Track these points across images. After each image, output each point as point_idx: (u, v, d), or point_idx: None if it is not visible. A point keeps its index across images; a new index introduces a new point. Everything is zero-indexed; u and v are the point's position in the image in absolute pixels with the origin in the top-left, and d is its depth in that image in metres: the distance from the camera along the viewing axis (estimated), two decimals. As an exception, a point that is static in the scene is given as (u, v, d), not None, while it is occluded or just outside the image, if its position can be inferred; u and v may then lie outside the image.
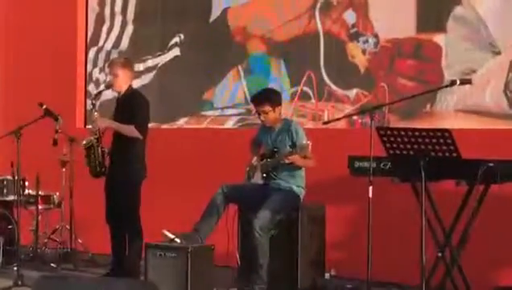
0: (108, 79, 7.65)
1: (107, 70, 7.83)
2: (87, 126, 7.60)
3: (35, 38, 10.34)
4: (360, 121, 8.22)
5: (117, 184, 7.47)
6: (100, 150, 7.44)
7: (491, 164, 5.89)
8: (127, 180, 7.43)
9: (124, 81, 7.57)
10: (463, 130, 7.05)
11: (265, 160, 7.21)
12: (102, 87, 7.80)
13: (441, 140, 5.97)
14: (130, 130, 7.37)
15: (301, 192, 7.21)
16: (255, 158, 7.32)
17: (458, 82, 6.67)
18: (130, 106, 7.48)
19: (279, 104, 7.30)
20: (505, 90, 7.49)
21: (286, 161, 6.98)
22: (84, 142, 7.51)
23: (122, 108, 7.53)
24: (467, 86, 6.88)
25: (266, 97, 7.28)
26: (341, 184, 7.10)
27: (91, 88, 10.07)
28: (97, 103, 7.81)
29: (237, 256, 7.26)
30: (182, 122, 9.59)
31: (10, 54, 10.75)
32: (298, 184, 7.20)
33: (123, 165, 7.44)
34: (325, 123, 7.57)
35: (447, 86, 7.13)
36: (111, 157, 7.51)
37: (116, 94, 7.72)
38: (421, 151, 6.01)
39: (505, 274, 7.01)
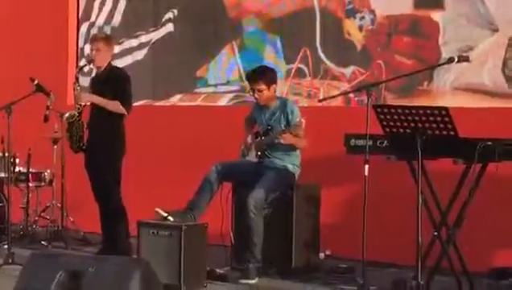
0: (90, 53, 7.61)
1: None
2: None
3: (26, 13, 10.33)
4: (356, 99, 8.23)
5: (97, 160, 7.50)
6: (81, 125, 7.46)
7: (489, 143, 5.89)
8: (108, 156, 7.48)
9: (105, 57, 7.59)
10: (460, 109, 7.07)
11: (259, 138, 7.22)
12: (84, 62, 7.77)
13: (438, 118, 5.97)
14: (116, 106, 7.38)
15: (296, 171, 7.23)
16: (250, 136, 7.33)
17: (456, 60, 6.67)
18: (113, 82, 7.49)
19: (274, 82, 7.30)
20: (503, 68, 7.50)
21: (281, 140, 7.00)
22: (67, 115, 7.53)
23: (103, 84, 7.51)
24: (464, 64, 6.86)
25: (260, 75, 7.27)
26: (337, 162, 7.10)
27: (83, 64, 10.04)
28: (79, 78, 7.78)
29: (231, 235, 7.30)
30: (176, 99, 9.58)
31: (1, 29, 10.72)
32: (293, 162, 7.21)
33: (103, 141, 7.47)
34: (321, 101, 7.57)
35: (444, 64, 7.14)
36: (89, 133, 7.50)
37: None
38: (418, 129, 6.01)
39: (502, 254, 7.04)
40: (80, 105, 7.46)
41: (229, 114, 8.63)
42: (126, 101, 7.46)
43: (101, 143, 7.47)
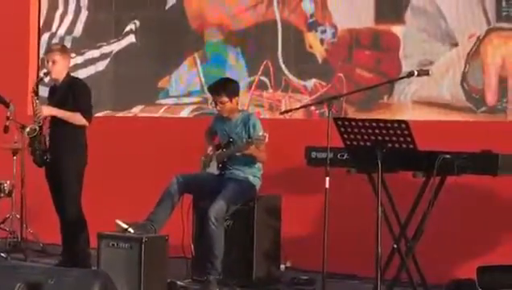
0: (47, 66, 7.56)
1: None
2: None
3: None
4: (317, 111, 8.27)
5: (59, 172, 7.44)
6: (43, 138, 7.40)
7: (447, 156, 5.95)
8: (69, 168, 7.41)
9: (62, 68, 7.52)
10: (420, 122, 7.14)
11: (220, 150, 7.25)
12: (41, 74, 7.72)
13: (398, 131, 6.01)
14: (78, 118, 7.34)
15: (257, 183, 7.27)
16: (210, 147, 7.35)
17: (416, 73, 6.74)
18: (73, 94, 7.42)
19: (237, 94, 7.34)
20: (462, 82, 7.59)
21: (242, 152, 7.05)
22: (28, 129, 7.43)
23: (63, 96, 7.45)
24: (424, 77, 6.94)
25: (222, 87, 7.30)
26: (298, 174, 7.14)
27: (41, 75, 9.97)
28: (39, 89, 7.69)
29: (192, 247, 7.30)
30: (137, 110, 9.57)
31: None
32: (254, 174, 7.26)
33: (65, 153, 7.40)
34: (282, 113, 7.62)
35: (404, 77, 7.22)
36: (51, 144, 7.44)
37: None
38: (378, 142, 6.04)
39: (460, 266, 7.10)
40: (40, 118, 7.40)
41: (191, 126, 8.62)
42: (87, 113, 7.42)
43: (62, 155, 7.41)
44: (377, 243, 5.97)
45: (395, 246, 6.19)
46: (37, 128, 7.38)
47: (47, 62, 7.56)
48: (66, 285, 5.08)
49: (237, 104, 7.40)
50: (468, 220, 7.09)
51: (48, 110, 7.41)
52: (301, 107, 8.10)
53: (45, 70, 7.62)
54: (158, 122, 9.23)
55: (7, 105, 7.90)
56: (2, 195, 8.83)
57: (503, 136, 6.89)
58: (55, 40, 10.05)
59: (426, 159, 5.99)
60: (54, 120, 7.41)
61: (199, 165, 7.39)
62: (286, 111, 7.79)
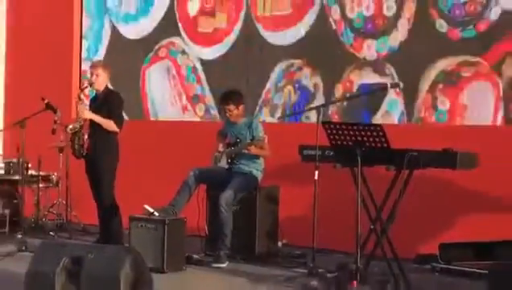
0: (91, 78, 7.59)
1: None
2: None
3: (38, 42, 10.27)
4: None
5: (97, 169, 7.47)
6: (82, 135, 7.42)
7: (415, 153, 5.97)
8: (104, 164, 7.44)
9: (103, 81, 7.54)
10: (391, 125, 7.15)
11: (229, 148, 7.28)
12: (86, 84, 7.74)
13: (374, 133, 6.04)
14: (110, 125, 7.38)
15: (259, 175, 7.30)
16: (221, 145, 7.38)
17: (389, 86, 6.78)
18: (109, 104, 7.45)
19: (241, 103, 7.37)
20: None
21: (246, 151, 7.09)
22: (71, 126, 7.46)
23: (101, 104, 7.48)
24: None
25: (230, 98, 7.36)
26: (293, 168, 7.12)
27: (85, 85, 9.93)
28: (82, 97, 7.69)
29: (206, 227, 7.33)
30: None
31: (17, 55, 10.70)
32: (257, 168, 7.29)
33: (101, 153, 7.42)
34: (279, 118, 7.65)
35: (379, 90, 7.26)
36: (90, 143, 7.44)
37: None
38: (358, 142, 6.07)
39: (425, 243, 7.09)
40: (81, 119, 7.44)
41: (203, 129, 8.62)
42: (119, 121, 7.46)
43: (98, 154, 7.44)
44: (357, 224, 6.00)
45: (372, 226, 6.19)
46: (78, 126, 7.42)
47: (92, 75, 7.57)
48: (103, 259, 5.10)
49: (243, 110, 7.42)
50: (432, 205, 7.09)
51: (88, 114, 7.44)
52: (295, 113, 8.13)
53: (89, 81, 7.62)
54: (177, 125, 9.19)
55: (55, 111, 7.92)
56: (51, 185, 8.92)
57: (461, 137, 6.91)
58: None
59: (397, 156, 6.00)
60: (92, 123, 7.44)
61: (210, 161, 7.40)
62: (283, 116, 7.85)
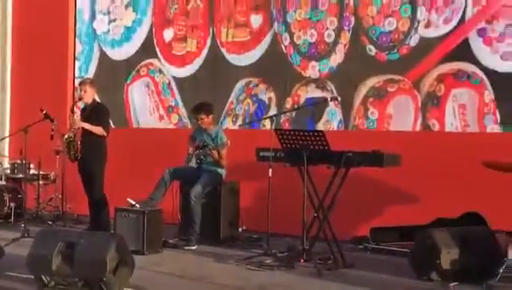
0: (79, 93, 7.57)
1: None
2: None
3: (38, 62, 10.12)
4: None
5: (88, 168, 7.39)
6: (76, 143, 7.33)
7: (350, 154, 6.03)
8: (94, 165, 7.37)
9: (90, 95, 7.49)
10: (331, 131, 7.20)
11: (198, 151, 7.26)
12: (76, 98, 7.70)
13: (317, 138, 6.10)
14: (100, 130, 7.32)
15: (223, 173, 7.29)
16: (191, 149, 7.36)
17: (329, 99, 6.83)
18: (97, 113, 7.40)
19: (211, 113, 7.38)
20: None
21: (211, 153, 7.10)
22: (66, 136, 7.38)
23: (90, 114, 7.40)
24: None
25: (202, 108, 7.35)
26: (251, 167, 7.09)
27: (76, 99, 9.80)
28: (75, 109, 7.67)
29: (179, 216, 7.28)
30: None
31: (20, 73, 10.57)
32: (221, 167, 7.27)
33: (92, 155, 7.34)
34: (240, 126, 7.65)
35: (320, 102, 7.30)
36: (82, 148, 7.34)
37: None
38: (304, 145, 6.13)
39: (359, 228, 7.15)
40: (75, 128, 7.37)
41: (176, 134, 8.59)
42: (106, 127, 7.41)
43: (90, 156, 7.35)
44: (303, 213, 6.06)
45: (315, 214, 6.24)
46: (72, 135, 7.34)
47: (80, 90, 7.53)
48: (92, 243, 5.07)
49: (213, 119, 7.43)
50: (364, 196, 7.13)
51: (80, 123, 7.37)
52: (253, 122, 8.13)
53: (79, 96, 7.60)
54: (155, 132, 9.12)
55: (52, 120, 7.82)
56: (49, 182, 8.82)
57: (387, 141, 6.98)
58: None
59: (336, 157, 6.07)
60: (84, 131, 7.37)
61: (183, 161, 7.39)
62: (243, 124, 7.86)
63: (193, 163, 7.28)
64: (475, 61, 6.97)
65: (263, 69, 8.34)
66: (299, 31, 8.05)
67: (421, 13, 7.28)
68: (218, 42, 8.70)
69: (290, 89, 8.10)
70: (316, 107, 7.76)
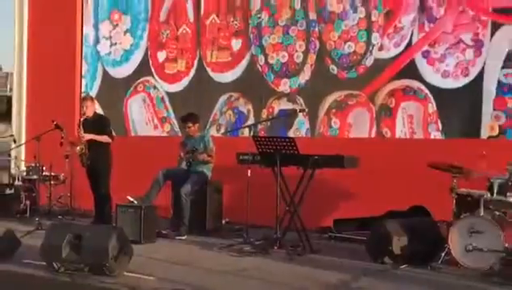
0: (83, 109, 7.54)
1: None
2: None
3: (50, 79, 10.03)
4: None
5: (96, 171, 7.36)
6: (87, 152, 7.28)
7: (316, 157, 6.07)
8: (101, 169, 7.34)
9: (92, 110, 7.46)
10: (300, 138, 7.22)
11: (188, 154, 7.25)
12: (82, 114, 7.62)
13: (288, 143, 6.13)
14: (106, 139, 7.29)
15: (209, 174, 7.28)
16: (182, 153, 7.35)
17: (298, 110, 6.86)
18: (100, 124, 7.37)
19: (198, 122, 7.37)
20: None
21: (200, 156, 7.09)
22: (78, 148, 7.34)
23: (92, 125, 7.34)
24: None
25: (189, 118, 7.33)
26: (232, 168, 7.08)
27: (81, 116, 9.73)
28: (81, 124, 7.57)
29: (171, 211, 7.25)
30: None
31: (34, 89, 10.47)
32: (208, 169, 7.26)
33: (99, 160, 7.30)
34: (223, 134, 7.66)
35: (290, 114, 7.32)
36: (90, 154, 7.30)
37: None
38: (277, 150, 6.16)
39: (324, 219, 7.16)
40: (83, 140, 7.31)
41: (169, 141, 8.56)
42: (110, 135, 7.38)
43: (97, 160, 7.31)
44: (277, 207, 6.08)
45: (287, 208, 6.24)
46: (83, 147, 7.30)
47: (82, 107, 7.52)
48: (97, 234, 5.07)
49: (199, 127, 7.40)
50: (328, 193, 7.13)
51: (88, 136, 7.32)
52: (235, 129, 8.13)
53: (82, 112, 7.56)
54: (150, 139, 9.07)
55: (62, 130, 7.80)
56: (59, 182, 8.73)
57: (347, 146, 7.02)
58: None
59: (304, 159, 6.11)
60: (91, 141, 7.32)
61: (175, 163, 7.37)
62: (226, 132, 7.87)
63: (183, 166, 7.25)
64: (420, 79, 7.06)
65: (242, 85, 8.35)
66: (273, 53, 8.09)
67: (375, 38, 7.36)
68: (204, 62, 8.71)
69: (265, 102, 8.12)
70: (288, 117, 7.79)
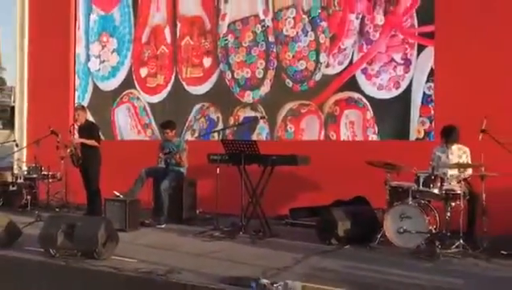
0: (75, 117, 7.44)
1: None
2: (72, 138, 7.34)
3: (48, 91, 9.80)
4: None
5: (87, 170, 7.23)
6: (77, 154, 7.17)
7: (274, 157, 6.09)
8: (92, 168, 7.21)
9: (83, 117, 7.36)
10: (261, 141, 7.22)
11: (166, 155, 7.18)
12: (72, 122, 7.54)
13: (251, 146, 6.13)
14: (93, 142, 7.17)
15: (184, 172, 7.20)
16: (161, 154, 7.27)
17: (259, 117, 6.85)
18: (90, 130, 7.26)
19: (174, 128, 7.31)
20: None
21: (176, 157, 7.03)
22: (69, 150, 7.23)
23: (84, 131, 7.26)
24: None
25: (168, 125, 7.27)
26: (204, 167, 7.03)
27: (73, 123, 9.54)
28: (74, 128, 7.50)
29: (152, 204, 7.15)
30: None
31: (34, 99, 10.22)
32: (183, 167, 7.19)
33: (90, 161, 7.18)
34: (197, 137, 7.60)
35: (252, 122, 7.31)
36: (82, 156, 7.20)
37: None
38: (242, 151, 6.15)
39: (281, 208, 7.16)
40: (74, 144, 7.20)
41: (151, 145, 8.44)
42: (98, 140, 7.26)
43: (88, 160, 7.19)
44: (241, 198, 6.07)
45: (250, 200, 6.24)
46: (73, 149, 7.18)
47: (74, 114, 7.42)
48: (87, 224, 4.99)
49: (175, 133, 7.34)
50: (285, 186, 7.07)
51: (79, 140, 7.22)
52: (207, 134, 8.08)
53: (74, 119, 7.46)
54: (134, 143, 8.94)
55: (57, 135, 7.64)
56: (56, 180, 8.52)
57: (300, 147, 7.05)
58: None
59: (264, 159, 6.12)
60: (83, 144, 7.21)
61: (155, 163, 7.28)
62: (200, 135, 7.81)
63: (162, 165, 7.19)
64: (360, 91, 7.14)
65: (213, 96, 8.30)
66: (238, 69, 8.08)
67: (323, 57, 7.42)
68: (180, 77, 8.64)
69: (232, 111, 8.09)
70: (251, 124, 7.77)
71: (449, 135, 5.71)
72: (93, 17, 9.59)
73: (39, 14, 10.15)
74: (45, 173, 8.44)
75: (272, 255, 5.18)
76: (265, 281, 4.02)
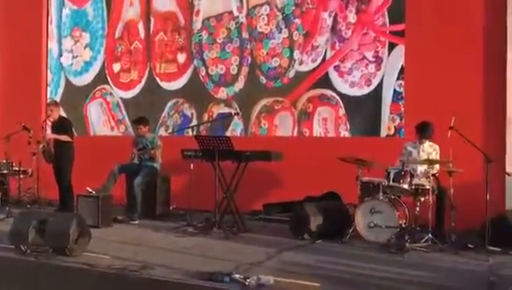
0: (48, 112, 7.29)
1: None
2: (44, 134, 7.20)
3: (19, 86, 9.61)
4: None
5: (60, 165, 7.10)
6: (49, 149, 7.04)
7: (248, 153, 6.08)
8: (64, 163, 7.09)
9: (56, 113, 7.23)
10: (235, 137, 7.20)
11: (139, 151, 7.11)
12: (44, 117, 7.38)
13: (225, 142, 6.10)
14: (66, 138, 7.05)
15: (158, 167, 7.15)
16: (135, 150, 7.20)
17: (233, 114, 6.82)
18: (63, 125, 7.13)
19: (148, 124, 7.23)
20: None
21: (150, 153, 6.96)
22: (41, 146, 7.09)
23: (58, 127, 7.14)
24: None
25: (141, 121, 7.20)
26: (178, 163, 6.98)
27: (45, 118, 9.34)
28: (46, 124, 7.35)
29: (125, 200, 7.08)
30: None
31: (7, 94, 9.97)
32: (157, 163, 7.13)
33: (62, 155, 7.06)
34: (170, 133, 7.53)
35: (227, 117, 7.28)
36: (55, 151, 7.07)
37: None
38: (216, 147, 6.11)
39: (255, 204, 7.18)
40: (46, 140, 7.07)
41: (125, 140, 8.34)
42: (71, 135, 7.15)
43: (61, 156, 7.07)
44: (215, 194, 6.03)
45: (224, 195, 6.22)
46: (45, 145, 7.05)
47: (47, 110, 7.27)
48: (59, 220, 4.88)
49: (149, 129, 7.26)
50: (259, 181, 7.09)
51: (51, 135, 7.10)
52: (180, 130, 8.03)
53: (47, 115, 7.31)
54: (107, 138, 8.83)
55: (29, 131, 7.45)
56: (27, 176, 8.33)
57: (274, 143, 7.05)
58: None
59: (238, 154, 6.09)
60: (56, 140, 7.08)
61: (128, 159, 7.20)
62: (173, 131, 7.73)
63: (136, 160, 7.12)
64: (332, 88, 7.19)
65: (187, 92, 8.24)
66: (212, 65, 8.03)
67: (296, 54, 7.44)
68: (154, 73, 8.54)
69: (206, 107, 8.05)
70: (225, 120, 7.74)
71: (424, 131, 5.79)
72: (66, 11, 9.40)
73: (10, 8, 9.90)
74: (16, 169, 8.23)
75: (245, 250, 5.18)
76: (238, 276, 4.01)
